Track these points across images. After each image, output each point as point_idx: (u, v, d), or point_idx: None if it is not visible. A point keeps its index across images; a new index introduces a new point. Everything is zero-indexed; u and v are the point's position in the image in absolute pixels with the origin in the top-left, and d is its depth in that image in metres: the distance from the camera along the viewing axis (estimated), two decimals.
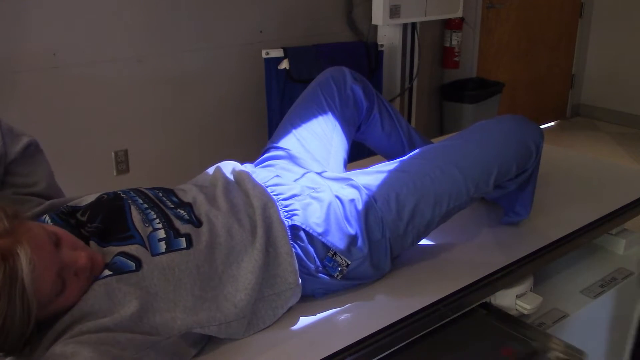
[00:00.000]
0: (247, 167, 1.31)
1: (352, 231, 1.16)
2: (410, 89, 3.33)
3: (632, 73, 4.45)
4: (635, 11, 4.36)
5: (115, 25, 2.48)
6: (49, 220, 1.03)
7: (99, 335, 0.88)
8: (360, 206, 1.18)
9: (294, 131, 1.39)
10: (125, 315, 0.91)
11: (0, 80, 2.27)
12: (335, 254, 1.15)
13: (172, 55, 2.67)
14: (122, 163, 2.64)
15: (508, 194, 1.37)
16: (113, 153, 2.61)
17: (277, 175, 1.25)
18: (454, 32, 3.58)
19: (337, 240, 1.15)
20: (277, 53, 2.78)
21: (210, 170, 1.30)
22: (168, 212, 1.08)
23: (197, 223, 1.07)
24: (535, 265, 1.30)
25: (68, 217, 1.06)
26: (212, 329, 1.00)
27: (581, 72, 4.77)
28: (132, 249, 0.98)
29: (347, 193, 1.21)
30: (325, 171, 1.34)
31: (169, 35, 2.64)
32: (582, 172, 1.77)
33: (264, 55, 2.77)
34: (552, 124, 4.74)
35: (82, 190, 1.17)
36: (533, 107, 4.54)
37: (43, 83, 2.36)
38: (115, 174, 2.63)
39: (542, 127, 4.43)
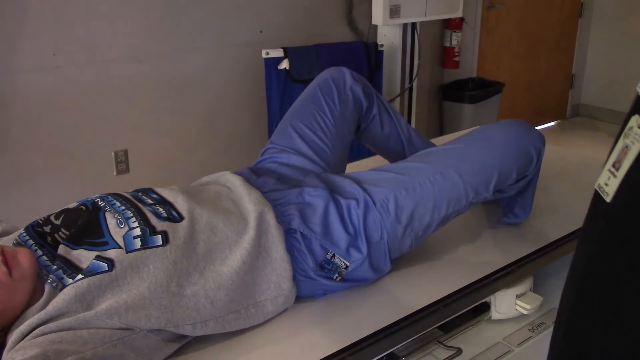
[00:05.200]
0: (245, 172, 1.31)
1: (350, 233, 1.16)
2: (410, 89, 3.33)
3: (632, 73, 4.44)
4: (635, 11, 4.36)
5: (115, 25, 2.48)
6: (24, 233, 1.06)
7: (59, 334, 0.89)
8: (358, 208, 1.18)
9: (293, 131, 1.39)
10: (90, 313, 0.92)
11: (0, 80, 2.27)
12: (333, 255, 1.14)
13: (172, 55, 2.66)
14: (122, 163, 2.64)
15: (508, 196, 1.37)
16: (113, 153, 2.61)
17: (275, 181, 1.25)
18: (454, 32, 3.58)
19: (335, 242, 1.15)
20: (277, 53, 2.78)
21: (205, 178, 1.31)
22: (145, 209, 1.07)
23: (178, 218, 1.06)
24: (535, 265, 1.30)
25: (43, 225, 1.07)
26: (187, 328, 0.99)
27: (581, 72, 4.77)
28: (107, 252, 0.99)
29: (346, 194, 1.20)
30: (325, 172, 1.34)
31: (169, 35, 2.64)
32: (582, 172, 1.77)
33: (264, 55, 2.77)
34: (552, 124, 4.74)
35: (82, 190, 1.18)
36: (533, 107, 4.54)
37: (43, 83, 2.36)
38: (115, 174, 2.63)
39: (542, 127, 4.39)
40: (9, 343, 0.90)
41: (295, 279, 1.12)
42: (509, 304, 1.25)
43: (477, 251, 1.34)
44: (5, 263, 0.94)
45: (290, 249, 1.13)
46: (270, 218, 1.12)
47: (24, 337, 0.90)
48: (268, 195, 1.20)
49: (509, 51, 4.18)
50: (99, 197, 1.11)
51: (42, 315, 0.91)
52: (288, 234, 1.14)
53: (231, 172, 1.29)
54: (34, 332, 0.90)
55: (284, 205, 1.18)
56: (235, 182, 1.22)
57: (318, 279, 1.14)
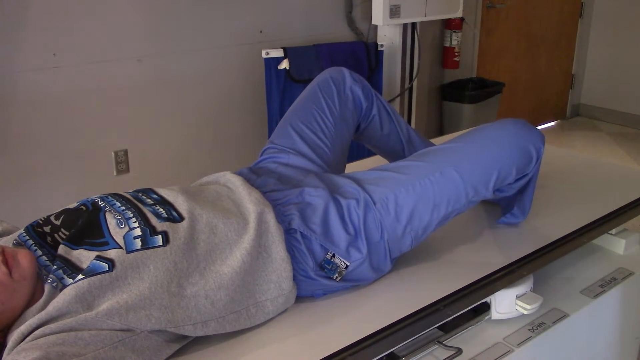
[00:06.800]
0: (245, 172, 1.31)
1: (350, 233, 1.16)
2: (410, 89, 3.33)
3: (632, 73, 4.45)
4: (635, 11, 4.36)
5: (115, 25, 2.49)
6: (24, 233, 1.06)
7: (60, 335, 0.88)
8: (358, 208, 1.18)
9: (293, 131, 1.39)
10: (91, 314, 0.91)
11: (0, 80, 2.27)
12: (333, 255, 1.15)
13: (172, 55, 2.67)
14: (122, 163, 2.64)
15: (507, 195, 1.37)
16: (113, 153, 2.61)
17: (275, 181, 1.25)
18: (454, 32, 3.58)
19: (335, 242, 1.15)
20: (277, 53, 2.78)
21: (205, 178, 1.31)
22: (145, 209, 1.07)
23: (178, 218, 1.07)
24: (535, 265, 1.30)
25: (43, 225, 1.07)
26: (188, 329, 0.99)
27: (581, 72, 4.77)
28: (107, 252, 0.98)
29: (346, 194, 1.20)
30: (324, 172, 1.34)
31: (169, 35, 2.64)
32: (581, 172, 1.77)
33: (264, 55, 2.77)
34: (552, 124, 4.74)
35: (82, 190, 1.18)
36: (533, 107, 4.54)
37: (43, 83, 2.36)
38: (115, 174, 2.63)
39: (542, 127, 4.39)
40: (10, 344, 0.90)
41: (295, 278, 1.13)
42: (509, 304, 1.25)
43: (477, 251, 1.34)
44: (6, 263, 0.94)
45: (290, 249, 1.13)
46: (270, 218, 1.12)
47: (24, 337, 0.90)
48: (268, 195, 1.20)
49: (509, 51, 4.19)
50: (99, 197, 1.11)
51: (42, 315, 0.91)
52: (288, 234, 1.14)
53: (231, 172, 1.29)
54: (35, 332, 0.90)
55: (284, 205, 1.18)
56: (236, 182, 1.22)
57: (318, 278, 1.14)
